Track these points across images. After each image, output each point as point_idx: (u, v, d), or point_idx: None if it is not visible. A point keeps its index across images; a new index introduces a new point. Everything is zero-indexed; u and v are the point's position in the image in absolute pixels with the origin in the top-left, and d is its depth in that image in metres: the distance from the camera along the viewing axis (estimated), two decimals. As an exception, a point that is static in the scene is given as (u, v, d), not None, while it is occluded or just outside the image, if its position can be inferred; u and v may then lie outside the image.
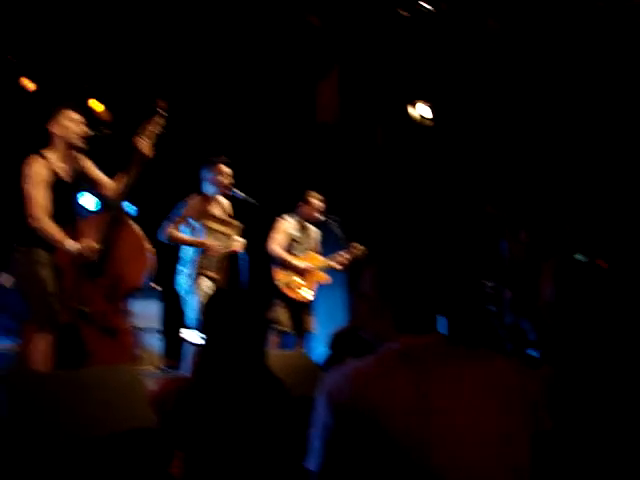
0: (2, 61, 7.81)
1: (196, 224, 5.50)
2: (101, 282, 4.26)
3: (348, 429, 1.74)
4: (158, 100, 4.52)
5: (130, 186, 4.35)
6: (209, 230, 5.50)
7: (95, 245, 4.20)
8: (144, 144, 4.38)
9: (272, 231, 6.14)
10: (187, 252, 5.51)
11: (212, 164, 5.57)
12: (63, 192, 4.28)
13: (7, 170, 4.78)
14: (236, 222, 5.68)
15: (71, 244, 4.15)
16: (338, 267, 6.30)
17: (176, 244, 5.51)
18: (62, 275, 4.17)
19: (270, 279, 6.09)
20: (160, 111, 4.50)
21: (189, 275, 5.44)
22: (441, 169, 7.70)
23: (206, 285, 5.39)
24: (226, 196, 5.70)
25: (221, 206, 5.68)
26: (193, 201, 5.51)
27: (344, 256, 6.24)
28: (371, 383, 1.76)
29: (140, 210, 5.70)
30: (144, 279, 4.32)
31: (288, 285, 6.08)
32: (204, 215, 5.51)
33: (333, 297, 7.41)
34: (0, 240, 6.99)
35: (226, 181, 5.57)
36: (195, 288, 5.39)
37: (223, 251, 5.51)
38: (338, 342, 3.37)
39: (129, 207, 4.55)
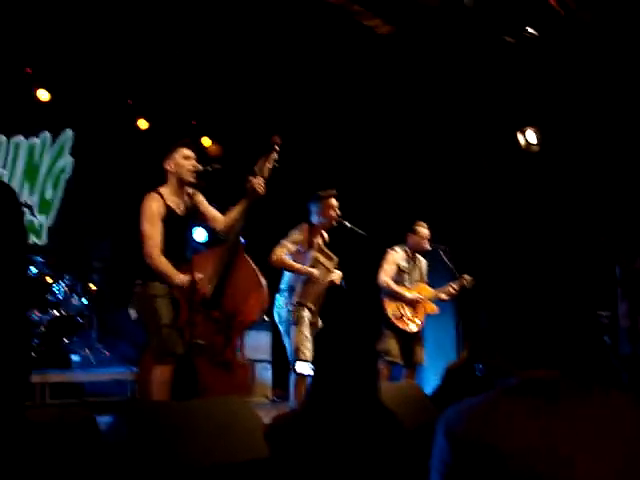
0: (121, 104, 8.20)
1: (305, 253, 5.57)
2: (217, 315, 4.33)
3: (467, 466, 1.70)
4: (274, 137, 4.58)
5: (241, 222, 4.43)
6: (314, 260, 5.56)
7: (204, 279, 4.27)
8: (258, 183, 4.45)
9: (382, 262, 6.18)
10: (287, 282, 5.56)
11: (321, 198, 5.65)
12: (176, 226, 4.40)
13: (128, 208, 4.96)
14: (332, 254, 5.73)
15: (181, 278, 4.23)
16: (447, 298, 6.29)
17: (283, 269, 5.56)
18: (179, 308, 4.26)
19: (380, 310, 6.12)
20: (276, 147, 4.56)
21: (289, 305, 5.46)
22: (551, 197, 7.52)
23: (306, 316, 5.43)
24: (334, 227, 5.75)
25: (323, 238, 5.75)
26: (303, 230, 5.58)
27: (453, 287, 6.22)
28: (491, 420, 1.71)
29: (249, 240, 5.81)
30: (259, 313, 4.36)
31: (398, 316, 6.09)
32: (311, 245, 5.58)
33: (442, 327, 7.35)
34: (125, 275, 7.34)
35: (334, 214, 5.63)
36: (295, 318, 5.41)
37: (324, 282, 5.55)
38: (451, 377, 3.31)
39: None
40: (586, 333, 1.82)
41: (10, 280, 1.35)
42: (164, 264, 4.26)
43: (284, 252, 5.47)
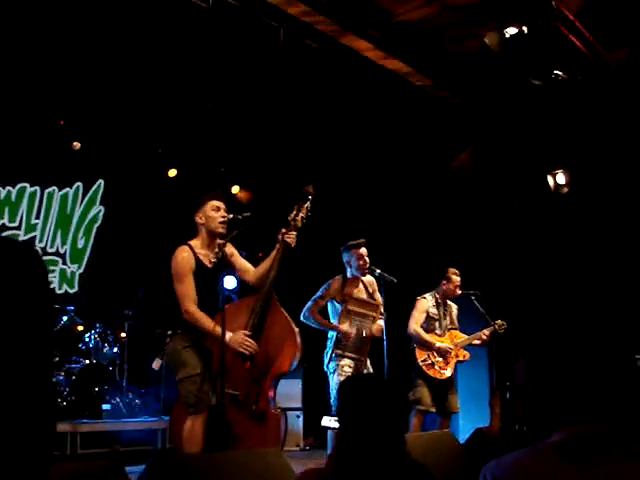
0: (151, 153, 8.33)
1: (338, 305, 5.65)
2: (250, 366, 4.29)
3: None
4: (307, 186, 4.58)
5: (274, 272, 4.41)
6: (348, 312, 5.60)
7: (245, 338, 4.26)
8: (290, 236, 4.44)
9: (412, 311, 6.19)
10: (330, 336, 5.66)
11: (350, 247, 5.74)
12: (206, 278, 4.40)
13: (160, 257, 5.01)
14: (378, 300, 5.73)
15: (223, 335, 4.17)
16: (479, 343, 6.28)
17: (316, 326, 5.68)
18: (212, 358, 4.25)
19: (411, 358, 6.11)
20: (309, 197, 4.55)
21: (331, 355, 5.55)
22: (582, 238, 7.48)
23: (347, 365, 5.49)
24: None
25: (365, 285, 5.80)
26: (335, 282, 5.70)
27: (485, 333, 6.21)
28: (536, 476, 1.67)
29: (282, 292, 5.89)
30: (292, 363, 4.32)
31: (429, 364, 6.06)
32: (345, 297, 5.65)
33: (475, 373, 7.30)
34: (156, 325, 7.37)
35: (362, 263, 5.68)
36: (336, 368, 5.50)
37: (357, 335, 5.57)
38: (486, 437, 3.24)
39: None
40: (629, 382, 1.79)
41: (36, 340, 1.37)
42: (203, 318, 4.28)
43: (314, 307, 5.65)
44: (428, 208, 8.16)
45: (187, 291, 4.32)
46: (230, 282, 7.68)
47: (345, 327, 5.56)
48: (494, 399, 4.50)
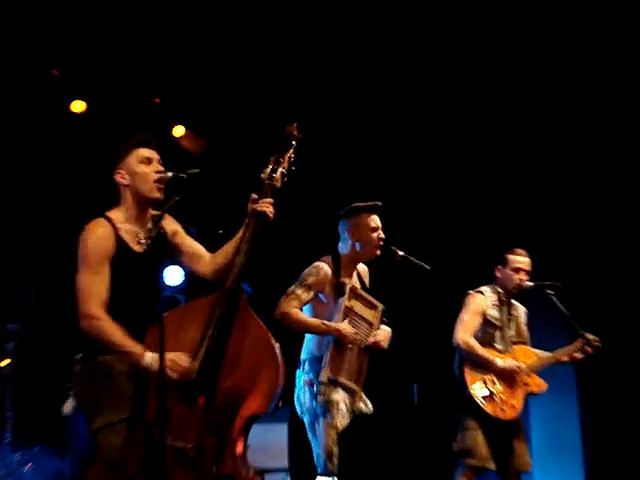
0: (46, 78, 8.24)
1: (330, 302, 5.61)
2: (208, 405, 4.25)
3: None
4: (289, 127, 4.55)
5: (242, 260, 4.37)
6: (347, 312, 5.58)
7: (185, 360, 4.22)
8: (265, 204, 4.42)
9: (461, 312, 6.25)
10: (310, 349, 5.62)
11: (357, 212, 5.72)
12: (134, 269, 4.39)
13: (61, 244, 4.98)
14: (376, 301, 5.75)
15: (149, 358, 4.19)
16: (566, 359, 6.36)
17: (295, 330, 5.58)
18: (147, 392, 4.21)
19: (457, 386, 6.15)
20: (293, 143, 4.53)
21: (314, 385, 5.49)
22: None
23: (340, 399, 5.45)
24: (378, 259, 5.80)
25: (360, 275, 5.86)
26: (323, 268, 5.64)
27: (571, 350, 6.31)
28: None
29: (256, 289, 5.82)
30: (272, 400, 4.26)
31: (486, 396, 6.08)
32: (339, 289, 5.62)
33: (558, 412, 7.36)
34: (56, 346, 7.31)
35: (376, 238, 5.69)
36: (323, 405, 5.45)
37: (363, 344, 5.60)
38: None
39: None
40: None
41: None
42: (112, 330, 4.23)
43: (293, 303, 5.54)
44: (475, 160, 8.58)
45: (92, 286, 4.29)
46: (173, 276, 7.66)
47: (347, 326, 5.49)
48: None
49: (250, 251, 4.37)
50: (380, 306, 5.73)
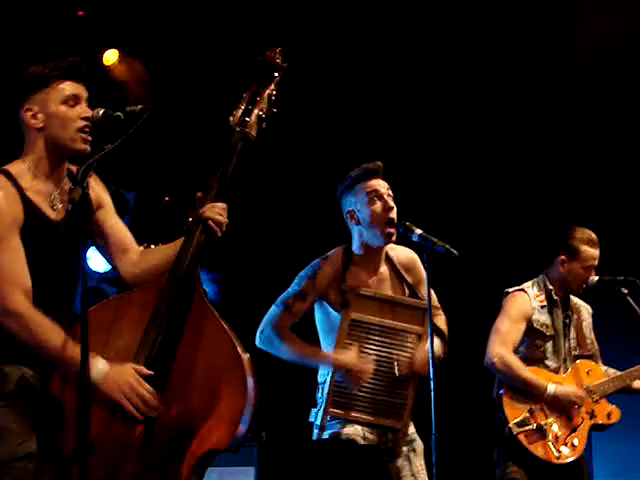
0: None
1: (334, 313, 5.71)
2: (147, 436, 4.27)
3: None
4: (270, 52, 4.59)
5: (194, 253, 4.41)
6: (354, 327, 5.66)
7: (136, 376, 4.23)
8: (214, 211, 4.43)
9: (499, 318, 6.32)
10: (325, 372, 5.72)
11: (356, 182, 5.79)
12: (49, 242, 4.39)
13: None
14: (424, 297, 5.73)
15: (83, 368, 4.08)
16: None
17: (284, 354, 5.73)
18: (62, 415, 4.25)
19: (494, 418, 6.22)
20: (275, 74, 4.57)
21: (323, 416, 5.60)
22: None
23: (357, 436, 5.55)
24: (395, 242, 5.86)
25: (394, 266, 5.91)
26: (328, 264, 5.77)
27: None
28: None
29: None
30: (238, 432, 4.27)
31: (533, 431, 6.13)
32: (348, 293, 5.67)
33: (630, 452, 7.52)
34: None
35: (383, 208, 5.71)
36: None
37: (380, 375, 5.66)
38: None
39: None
40: None
41: None
42: (45, 326, 4.23)
43: (283, 322, 5.70)
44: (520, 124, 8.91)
45: (4, 265, 4.26)
46: (99, 260, 7.63)
47: (350, 357, 5.56)
48: None
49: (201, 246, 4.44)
50: (419, 305, 5.71)
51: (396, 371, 5.61)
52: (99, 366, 4.14)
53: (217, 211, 4.40)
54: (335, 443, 5.56)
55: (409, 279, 5.88)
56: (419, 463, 5.68)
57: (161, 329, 4.30)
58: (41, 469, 4.19)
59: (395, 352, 5.65)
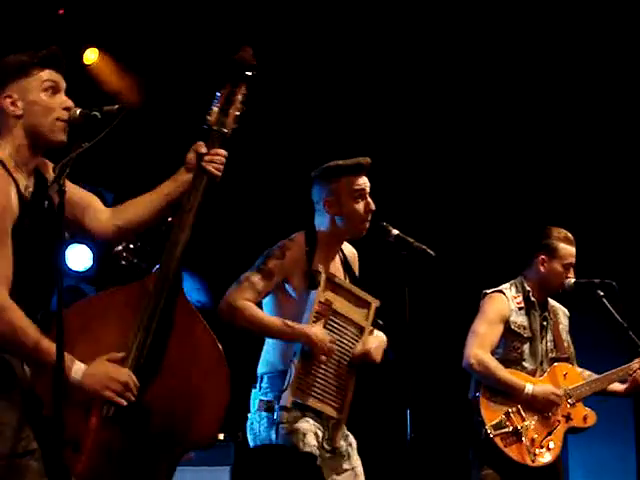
0: None
1: (300, 295, 5.63)
2: (135, 429, 4.27)
3: None
4: (243, 50, 4.59)
5: (185, 240, 4.42)
6: (323, 310, 5.60)
7: (117, 371, 4.22)
8: (215, 158, 4.47)
9: (476, 320, 6.34)
10: (269, 361, 5.66)
11: (336, 174, 5.72)
12: (30, 233, 4.31)
13: None
14: (368, 296, 5.78)
15: (59, 367, 4.06)
16: (622, 390, 6.49)
17: (248, 330, 5.58)
18: (41, 417, 4.23)
19: (471, 421, 6.23)
20: (247, 74, 4.57)
21: (275, 411, 5.51)
22: None
23: (310, 431, 5.48)
24: (365, 239, 5.84)
25: (345, 259, 5.91)
26: (296, 245, 5.68)
27: (626, 372, 6.40)
28: None
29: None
30: (218, 425, 4.35)
31: (509, 434, 6.17)
32: (312, 277, 5.63)
33: (606, 454, 7.48)
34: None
35: (362, 207, 5.68)
36: (286, 438, 5.47)
37: (346, 356, 5.64)
38: None
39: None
40: None
41: None
42: (22, 323, 4.13)
43: (247, 295, 5.54)
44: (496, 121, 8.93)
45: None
46: (78, 258, 7.60)
47: (320, 330, 5.49)
48: None
49: (194, 219, 4.43)
50: (374, 303, 5.74)
51: (347, 357, 5.60)
52: (75, 367, 4.11)
53: (217, 157, 4.46)
54: (277, 450, 5.48)
55: (352, 269, 5.92)
56: (356, 457, 5.69)
57: (149, 330, 4.28)
58: (37, 465, 4.15)
59: (345, 341, 5.63)
